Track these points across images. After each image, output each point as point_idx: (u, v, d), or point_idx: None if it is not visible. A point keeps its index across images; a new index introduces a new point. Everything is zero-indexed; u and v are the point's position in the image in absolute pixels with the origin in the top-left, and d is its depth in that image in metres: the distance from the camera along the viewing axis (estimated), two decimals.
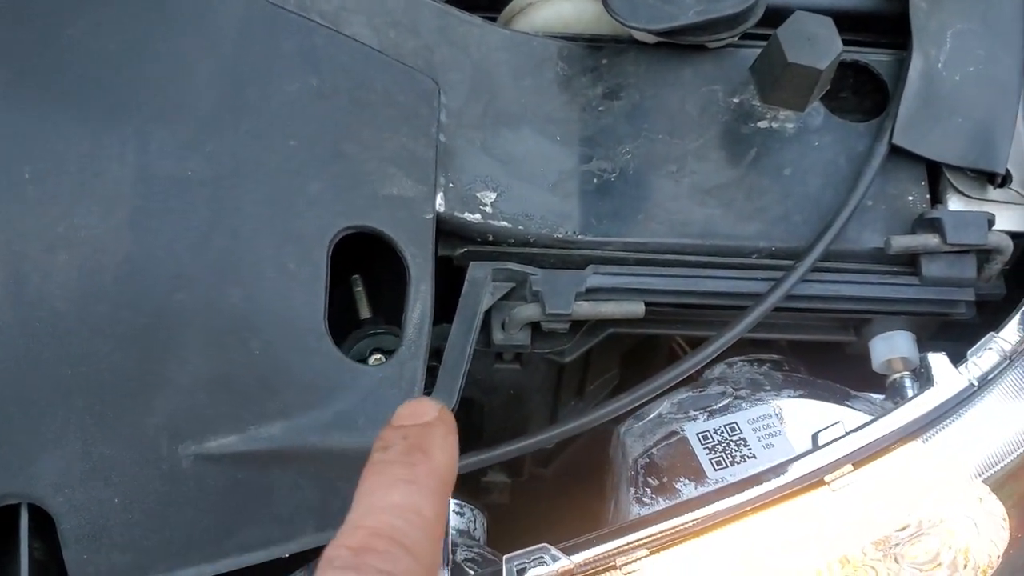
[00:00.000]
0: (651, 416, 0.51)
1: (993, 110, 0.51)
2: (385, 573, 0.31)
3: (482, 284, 0.49)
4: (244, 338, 0.44)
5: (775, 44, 0.48)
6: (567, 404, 0.60)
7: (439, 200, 0.48)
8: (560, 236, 0.50)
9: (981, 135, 0.51)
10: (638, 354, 0.61)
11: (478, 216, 0.49)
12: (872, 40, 0.58)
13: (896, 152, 0.51)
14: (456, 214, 0.49)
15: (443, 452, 0.35)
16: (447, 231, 0.49)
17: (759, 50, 0.51)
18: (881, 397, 0.51)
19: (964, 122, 0.51)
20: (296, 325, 0.44)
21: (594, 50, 0.53)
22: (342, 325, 0.53)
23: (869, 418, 0.46)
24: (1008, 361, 0.47)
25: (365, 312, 0.53)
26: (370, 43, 0.49)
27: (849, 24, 0.58)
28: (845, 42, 0.58)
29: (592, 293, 0.49)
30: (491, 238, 0.49)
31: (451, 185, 0.49)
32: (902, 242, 0.49)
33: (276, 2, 0.47)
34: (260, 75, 0.46)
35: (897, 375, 0.51)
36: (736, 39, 0.53)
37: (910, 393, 0.49)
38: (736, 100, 0.53)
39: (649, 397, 0.48)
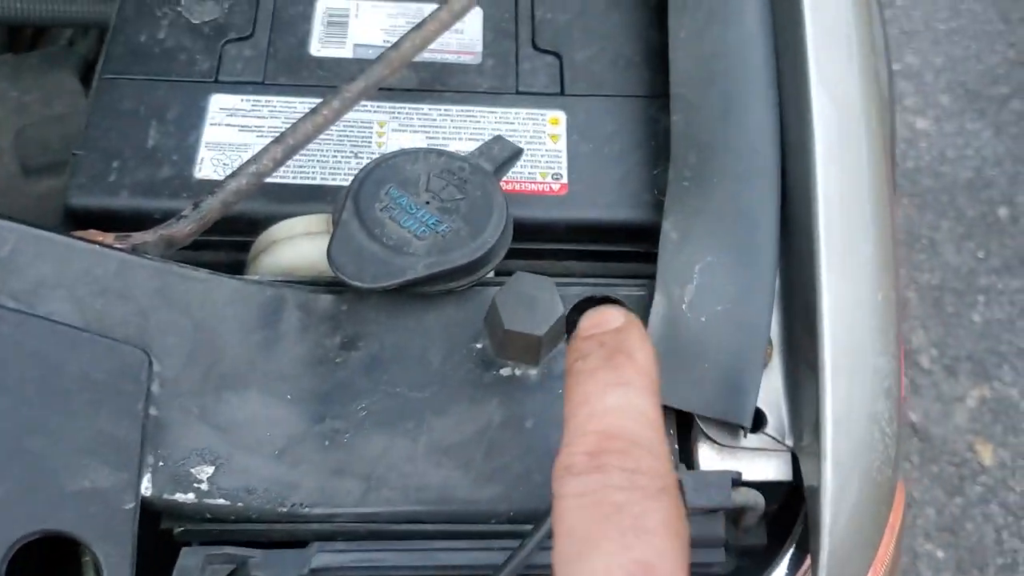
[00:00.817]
0: None
1: (740, 354, 0.49)
2: (629, 472, 0.30)
3: (194, 573, 0.45)
4: None
5: (494, 308, 0.46)
6: None
7: (145, 484, 0.45)
8: (285, 510, 0.47)
9: (727, 382, 0.49)
10: None
11: (192, 496, 0.46)
12: (648, 250, 0.57)
13: None
14: (166, 496, 0.45)
15: (644, 352, 0.34)
16: (161, 511, 0.46)
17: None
18: None
19: (710, 368, 0.49)
20: None
21: (335, 295, 0.51)
22: None
23: None
24: None
25: None
26: (71, 319, 0.46)
27: (625, 237, 0.57)
28: (616, 256, 0.57)
29: (318, 574, 0.46)
30: (209, 516, 0.46)
31: (160, 464, 0.46)
32: None
33: None
34: None
35: None
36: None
37: None
38: (479, 346, 0.50)
39: None
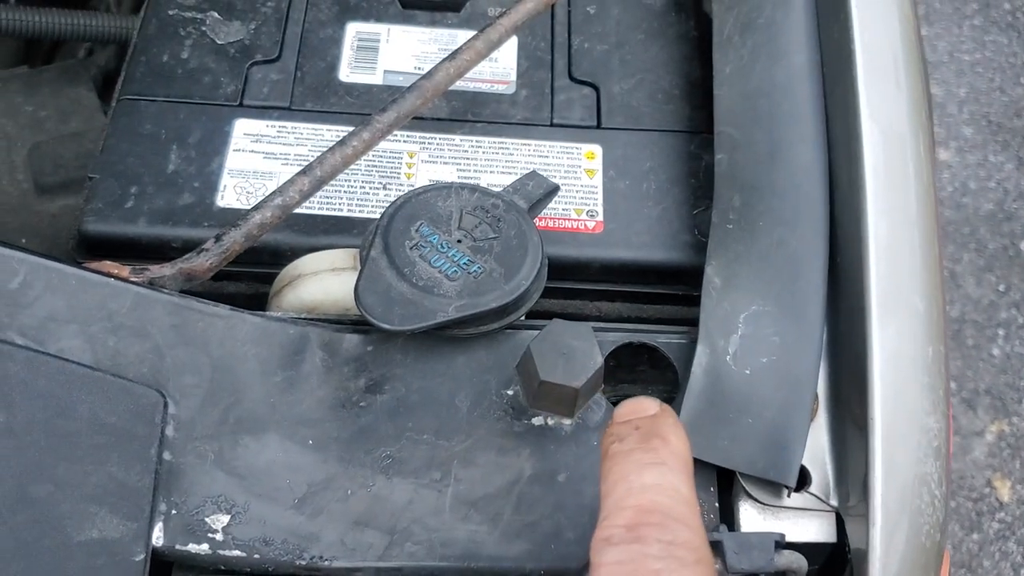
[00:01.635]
0: None
1: (785, 410, 0.47)
2: (666, 543, 0.31)
3: None
4: None
5: (529, 357, 0.43)
6: None
7: (156, 534, 0.43)
8: (304, 563, 0.44)
9: (771, 439, 0.46)
10: None
11: (206, 546, 0.43)
12: (686, 293, 0.55)
13: None
14: (179, 547, 0.43)
15: (678, 437, 0.35)
16: (173, 562, 0.44)
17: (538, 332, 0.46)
18: None
19: (754, 423, 0.46)
20: None
21: (360, 335, 0.49)
22: None
23: None
24: None
25: None
26: (83, 357, 0.44)
27: (662, 278, 0.55)
28: (652, 298, 0.54)
29: None
30: (223, 568, 0.44)
31: (174, 512, 0.44)
32: None
33: None
34: None
35: None
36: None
37: None
38: (510, 392, 0.48)
39: None
